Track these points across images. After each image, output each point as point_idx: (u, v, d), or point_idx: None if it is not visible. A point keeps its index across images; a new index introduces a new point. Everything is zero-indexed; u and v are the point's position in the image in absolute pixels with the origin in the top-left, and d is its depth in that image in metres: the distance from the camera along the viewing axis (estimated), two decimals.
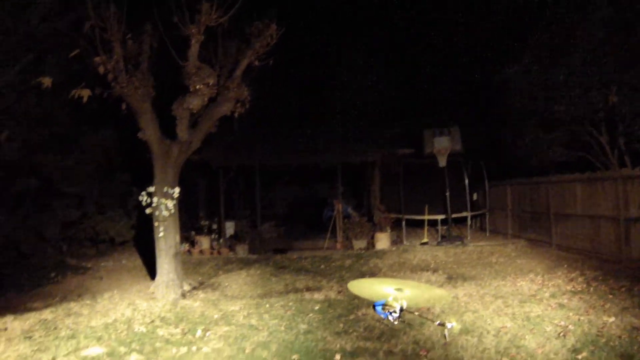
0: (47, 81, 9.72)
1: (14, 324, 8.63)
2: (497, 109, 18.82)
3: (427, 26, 23.69)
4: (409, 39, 24.25)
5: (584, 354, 6.39)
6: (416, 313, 8.25)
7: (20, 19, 9.93)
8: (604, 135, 15.21)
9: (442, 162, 17.65)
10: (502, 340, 7.14)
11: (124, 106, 11.06)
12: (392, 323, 7.82)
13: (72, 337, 7.88)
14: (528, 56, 16.13)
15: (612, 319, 7.64)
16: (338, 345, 7.38)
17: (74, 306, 9.93)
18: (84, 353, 7.20)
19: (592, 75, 14.14)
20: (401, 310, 7.96)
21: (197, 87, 10.82)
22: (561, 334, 7.18)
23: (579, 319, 7.82)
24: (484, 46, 21.14)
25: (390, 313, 7.88)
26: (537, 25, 16.29)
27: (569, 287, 10.02)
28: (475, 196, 19.87)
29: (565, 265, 12.30)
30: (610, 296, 9.10)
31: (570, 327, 7.46)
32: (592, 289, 9.77)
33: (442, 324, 7.53)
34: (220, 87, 11.53)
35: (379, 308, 8.37)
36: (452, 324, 7.43)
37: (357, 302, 9.90)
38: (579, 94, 14.52)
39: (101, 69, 10.30)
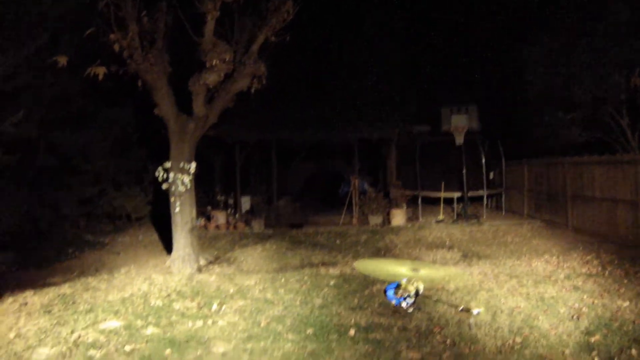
0: (62, 60, 9.70)
1: (34, 298, 8.74)
2: (516, 87, 18.65)
3: (446, 2, 23.43)
4: (428, 16, 24.00)
5: (597, 337, 6.38)
6: (434, 299, 8.32)
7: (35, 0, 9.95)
8: (625, 118, 15.02)
9: (459, 140, 17.56)
10: (515, 320, 7.16)
11: (140, 83, 11.07)
12: (406, 311, 7.88)
13: (90, 311, 7.99)
14: (549, 35, 15.93)
15: (627, 304, 7.61)
16: (352, 321, 7.43)
17: (91, 281, 10.06)
18: (101, 326, 7.29)
19: (614, 56, 13.95)
20: (417, 294, 8.19)
21: (214, 63, 10.75)
22: (575, 316, 7.16)
23: (593, 302, 7.80)
24: (504, 24, 20.87)
25: (405, 298, 8.13)
26: (559, 4, 16.07)
27: (584, 270, 10.00)
28: (491, 175, 19.80)
29: (581, 248, 12.24)
30: (626, 281, 9.05)
31: (584, 309, 7.45)
32: (607, 272, 9.73)
33: (467, 310, 7.56)
34: (236, 63, 11.46)
35: (390, 292, 8.33)
36: (479, 310, 7.47)
37: (372, 278, 9.99)
38: (600, 75, 14.34)
39: (116, 47, 10.25)
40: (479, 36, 22.32)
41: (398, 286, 8.46)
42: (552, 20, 16.06)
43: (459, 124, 17.48)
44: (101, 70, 10.08)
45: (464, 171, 17.53)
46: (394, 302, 8.23)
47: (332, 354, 6.18)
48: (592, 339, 6.31)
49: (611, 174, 13.29)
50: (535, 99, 17.16)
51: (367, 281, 9.74)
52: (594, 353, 5.87)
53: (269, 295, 8.92)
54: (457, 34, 23.29)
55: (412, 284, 8.22)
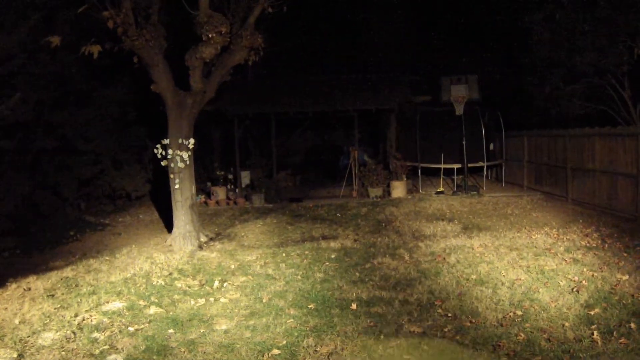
0: (55, 40, 9.59)
1: (37, 283, 8.73)
2: (517, 57, 18.45)
3: None
4: None
5: (597, 310, 6.38)
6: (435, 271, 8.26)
7: None
8: (627, 90, 14.91)
9: (459, 110, 17.49)
10: (516, 293, 7.18)
11: (136, 59, 10.99)
12: None
13: (93, 293, 7.99)
14: (552, 3, 15.72)
15: (626, 277, 7.59)
16: (354, 294, 7.46)
17: (93, 263, 10.05)
18: (105, 308, 7.30)
19: (618, 25, 13.77)
20: None
21: (210, 36, 10.67)
22: (575, 289, 7.17)
23: (592, 275, 7.80)
24: None
25: None
26: None
27: (583, 243, 9.99)
28: (491, 146, 19.73)
29: (581, 221, 12.22)
30: (625, 254, 9.04)
31: (584, 282, 7.45)
32: (607, 245, 9.72)
33: None
34: (233, 35, 11.37)
35: None
36: None
37: (374, 251, 10.02)
38: (603, 45, 14.19)
39: (110, 23, 10.14)
40: (481, 4, 22.05)
41: None
42: None
43: (459, 94, 17.42)
44: (96, 49, 10.00)
45: (464, 142, 17.48)
46: None
47: (334, 329, 6.19)
48: (592, 312, 6.31)
49: (612, 147, 13.15)
50: (537, 69, 16.99)
51: (369, 254, 9.77)
52: (594, 327, 5.86)
53: (270, 271, 8.95)
54: (458, 3, 23.03)
55: None
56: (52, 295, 8.01)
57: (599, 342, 5.51)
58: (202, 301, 7.55)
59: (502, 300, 6.93)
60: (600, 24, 14.13)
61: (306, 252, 10.15)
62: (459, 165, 18.18)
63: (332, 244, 10.79)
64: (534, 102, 17.91)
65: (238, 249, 10.85)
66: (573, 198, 15.03)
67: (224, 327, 6.48)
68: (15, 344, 6.12)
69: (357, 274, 8.60)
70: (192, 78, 11.41)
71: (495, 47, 21.53)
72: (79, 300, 7.68)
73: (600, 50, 14.29)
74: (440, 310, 6.72)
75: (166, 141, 11.44)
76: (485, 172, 19.30)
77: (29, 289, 8.47)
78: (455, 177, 18.62)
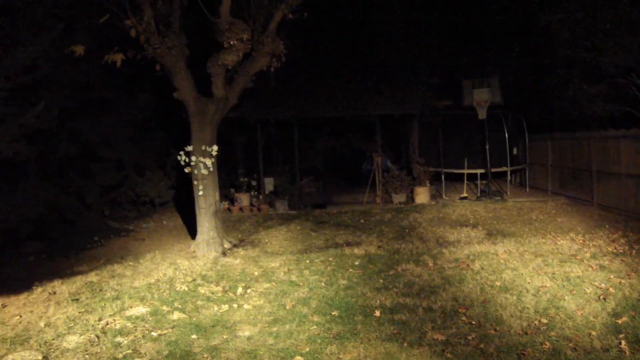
0: (79, 49, 9.73)
1: (62, 287, 8.85)
2: (538, 59, 18.27)
3: None
4: None
5: (625, 318, 6.24)
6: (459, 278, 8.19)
7: None
8: None
9: (482, 114, 17.34)
10: (541, 300, 7.07)
11: (158, 67, 11.08)
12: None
13: (117, 298, 8.07)
14: (573, 2, 15.52)
15: None
16: (378, 302, 7.41)
17: (117, 268, 10.14)
18: (128, 313, 7.37)
19: None
20: None
21: (231, 43, 10.70)
22: (601, 297, 7.04)
23: (620, 282, 7.65)
24: None
25: None
26: None
27: (610, 249, 9.83)
28: (515, 150, 19.57)
29: (607, 226, 12.03)
30: None
31: (611, 290, 7.31)
32: (634, 251, 9.52)
33: None
34: (254, 42, 11.38)
35: None
36: None
37: (397, 257, 9.97)
38: (626, 44, 13.98)
39: (133, 32, 10.24)
40: (500, 6, 21.86)
41: None
42: None
43: (481, 98, 17.26)
44: (119, 57, 10.11)
45: (487, 146, 17.34)
46: None
47: (357, 336, 6.16)
48: (620, 321, 6.18)
49: (638, 149, 12.92)
50: (558, 70, 16.80)
51: (392, 261, 9.73)
52: (621, 336, 5.73)
53: (293, 278, 8.95)
54: (478, 4, 22.84)
55: None
56: (77, 300, 8.10)
57: (627, 352, 5.39)
58: (225, 307, 7.56)
59: (527, 308, 6.84)
60: (621, 22, 13.92)
61: (330, 259, 10.13)
62: (482, 171, 18.04)
63: (356, 251, 10.76)
64: (557, 104, 17.68)
65: (262, 256, 10.85)
66: (598, 202, 14.81)
67: (247, 333, 6.48)
68: (40, 347, 6.21)
69: (381, 280, 8.56)
70: (214, 85, 11.46)
71: (515, 48, 21.31)
72: (103, 304, 7.77)
73: (623, 48, 14.07)
74: (464, 318, 6.65)
75: (189, 148, 11.50)
76: (508, 177, 19.16)
77: (54, 292, 8.59)
78: (478, 182, 18.49)
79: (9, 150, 10.19)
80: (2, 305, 8.06)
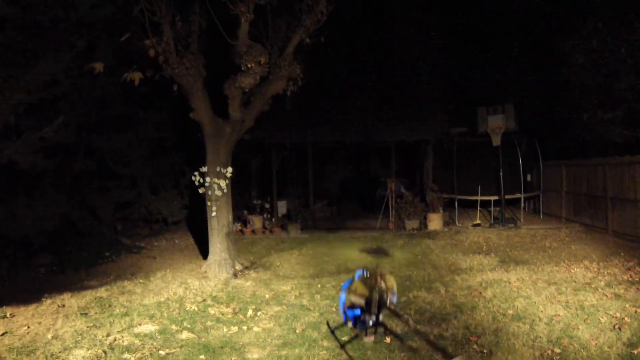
0: (99, 66, 9.89)
1: (71, 301, 8.92)
2: (553, 85, 18.30)
3: None
4: (462, 14, 23.69)
5: None
6: (471, 306, 8.16)
7: (71, 7, 10.12)
8: None
9: (496, 140, 17.30)
10: (554, 329, 6.98)
11: (175, 87, 11.18)
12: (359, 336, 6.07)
13: (126, 314, 8.10)
14: (587, 28, 15.51)
15: None
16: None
17: (127, 284, 10.18)
18: (137, 330, 7.39)
19: None
20: (379, 310, 5.66)
21: (249, 65, 10.77)
22: (616, 326, 6.95)
23: (635, 312, 7.53)
24: (540, 17, 20.45)
25: (359, 314, 5.79)
26: None
27: (625, 277, 9.69)
28: (529, 177, 19.47)
29: (622, 254, 11.86)
30: None
31: (627, 319, 7.21)
32: None
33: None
34: (271, 65, 11.49)
35: (342, 296, 6.19)
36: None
37: (409, 284, 9.91)
38: None
39: (152, 52, 10.40)
40: (516, 31, 21.95)
41: (351, 284, 6.02)
42: (590, 12, 15.61)
43: (496, 125, 17.22)
44: (137, 76, 10.22)
45: (501, 173, 17.27)
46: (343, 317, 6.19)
47: None
48: (635, 351, 6.10)
49: None
50: (573, 96, 16.78)
51: (404, 287, 9.67)
52: None
53: (304, 302, 8.91)
54: (493, 29, 22.94)
55: (376, 283, 5.56)
56: (86, 314, 8.16)
57: None
58: (234, 329, 7.54)
59: (540, 337, 6.75)
60: (636, 48, 13.90)
61: (341, 284, 10.07)
62: (495, 197, 17.95)
63: None
64: (571, 130, 17.64)
65: (273, 279, 10.83)
66: (614, 229, 14.63)
67: (255, 356, 6.47)
68: (46, 359, 6.25)
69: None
70: (230, 107, 11.54)
71: (529, 74, 21.34)
72: (111, 320, 7.81)
73: (637, 74, 14.03)
74: (475, 346, 6.58)
75: (204, 169, 11.55)
76: (522, 204, 19.02)
77: (63, 305, 8.66)
78: (492, 208, 18.40)
79: (27, 161, 10.35)
80: (10, 314, 8.18)
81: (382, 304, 5.44)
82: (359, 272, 5.80)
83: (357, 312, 5.60)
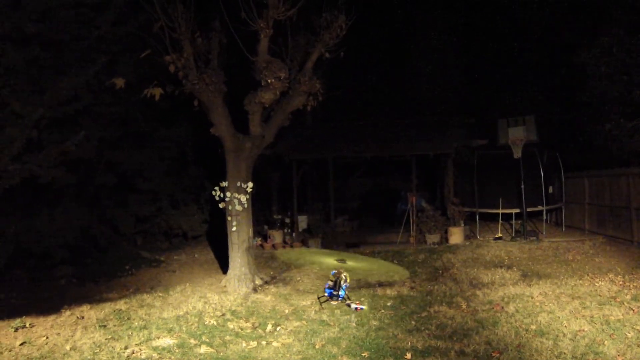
0: (120, 82, 10.04)
1: (90, 312, 9.02)
2: (574, 95, 18.11)
3: (499, 10, 22.99)
4: (481, 26, 23.66)
5: None
6: (492, 321, 8.09)
7: (93, 24, 10.30)
8: None
9: (517, 153, 17.12)
10: (579, 345, 6.87)
11: (196, 102, 11.27)
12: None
13: (145, 327, 8.15)
14: (607, 37, 15.36)
15: None
16: (409, 344, 7.31)
17: (147, 298, 10.25)
18: (155, 343, 7.41)
19: None
20: (339, 288, 9.84)
21: (269, 81, 10.84)
22: None
23: None
24: (559, 27, 20.32)
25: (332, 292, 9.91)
26: (617, 2, 15.51)
27: None
28: (550, 189, 19.24)
29: None
30: None
31: None
32: None
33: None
34: (291, 80, 11.53)
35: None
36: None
37: (430, 299, 9.84)
38: None
39: (172, 68, 10.52)
40: (535, 41, 21.85)
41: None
42: (611, 18, 15.47)
43: (517, 137, 17.07)
44: (157, 91, 10.34)
45: (523, 186, 17.10)
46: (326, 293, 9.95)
47: None
48: None
49: None
50: (595, 106, 16.62)
51: (425, 302, 9.60)
52: None
53: (324, 317, 8.87)
54: (513, 41, 22.88)
55: (339, 276, 9.90)
56: (104, 326, 8.24)
57: None
58: (253, 344, 7.53)
59: (564, 353, 6.65)
60: None
61: (362, 299, 10.02)
62: (517, 210, 17.78)
63: (389, 291, 10.64)
64: (593, 141, 17.44)
65: (293, 294, 10.81)
66: (639, 241, 14.41)
67: None
68: None
69: (413, 322, 8.43)
70: (251, 122, 11.61)
71: (550, 85, 21.19)
72: (130, 333, 7.87)
73: None
74: None
75: (224, 184, 11.60)
76: (544, 216, 18.82)
77: (82, 317, 8.76)
78: (513, 222, 18.23)
79: (48, 175, 10.46)
80: (30, 325, 8.28)
81: (340, 286, 9.72)
82: (333, 272, 10.16)
83: (331, 291, 9.83)
